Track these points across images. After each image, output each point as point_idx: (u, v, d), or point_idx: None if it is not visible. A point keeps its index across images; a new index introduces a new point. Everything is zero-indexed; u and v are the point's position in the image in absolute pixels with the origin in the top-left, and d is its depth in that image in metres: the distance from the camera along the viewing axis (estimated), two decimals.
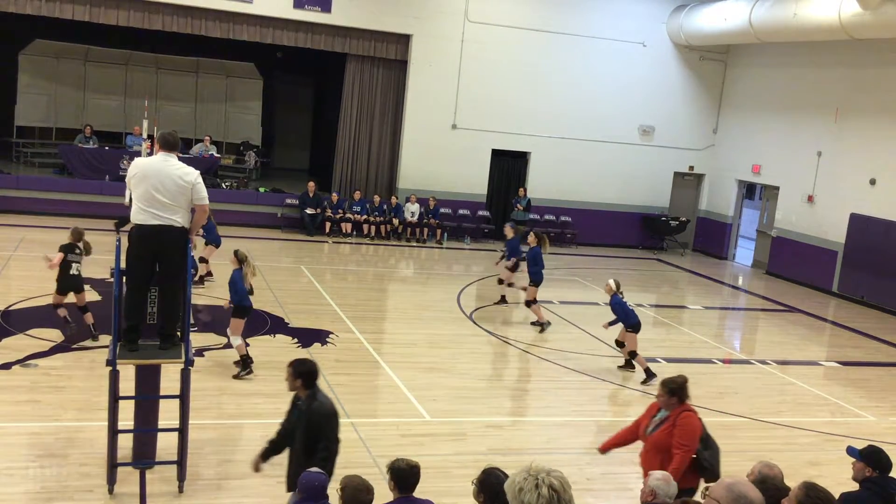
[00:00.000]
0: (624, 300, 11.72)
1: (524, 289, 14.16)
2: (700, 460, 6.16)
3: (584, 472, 8.37)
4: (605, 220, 23.19)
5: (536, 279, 13.72)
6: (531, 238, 13.97)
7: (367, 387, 10.52)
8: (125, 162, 19.67)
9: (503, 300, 15.18)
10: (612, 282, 11.73)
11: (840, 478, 7.04)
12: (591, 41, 22.34)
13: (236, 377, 10.10)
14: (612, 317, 11.80)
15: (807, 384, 12.35)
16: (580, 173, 22.80)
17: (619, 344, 11.94)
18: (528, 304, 13.80)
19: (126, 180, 7.15)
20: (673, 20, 22.74)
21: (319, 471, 5.14)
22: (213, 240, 14.52)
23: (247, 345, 10.41)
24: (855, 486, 5.82)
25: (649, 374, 11.43)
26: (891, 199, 18.07)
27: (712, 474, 6.11)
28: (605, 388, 11.37)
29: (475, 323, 13.98)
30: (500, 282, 15.21)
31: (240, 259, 10.31)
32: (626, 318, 11.58)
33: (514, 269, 14.86)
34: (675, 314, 16.71)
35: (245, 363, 10.19)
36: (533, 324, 13.93)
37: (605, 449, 6.92)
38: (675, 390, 6.29)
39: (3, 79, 22.87)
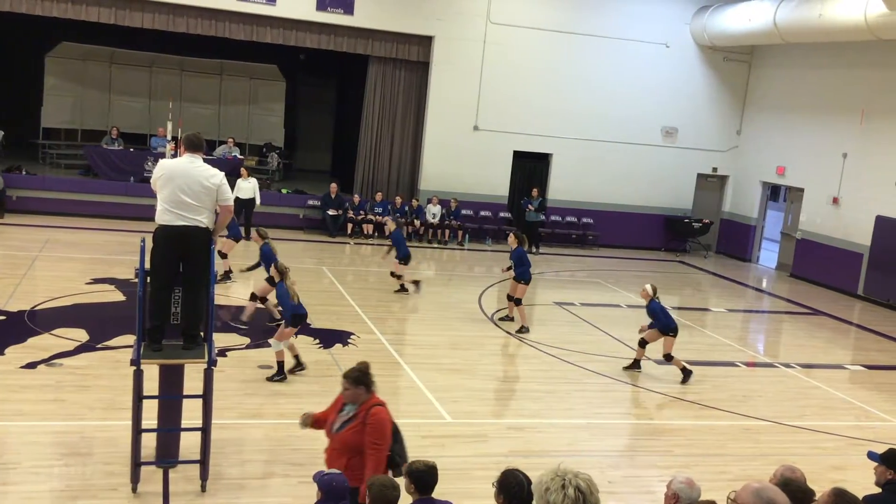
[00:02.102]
0: (662, 304, 11.74)
1: (412, 281, 14.97)
2: (392, 455, 5.70)
3: (606, 475, 8.33)
4: (628, 222, 23.09)
5: (526, 278, 13.64)
6: (511, 239, 13.97)
7: (389, 388, 10.52)
8: (150, 163, 19.84)
9: (403, 288, 15.26)
10: (648, 287, 11.67)
11: (865, 483, 6.95)
12: (614, 42, 22.26)
13: (270, 379, 10.17)
14: (648, 320, 11.79)
15: (831, 388, 12.23)
16: (602, 175, 22.72)
17: (643, 343, 11.86)
18: (518, 302, 13.71)
19: (151, 182, 7.21)
20: (696, 21, 22.61)
21: (338, 472, 5.17)
22: (234, 234, 14.67)
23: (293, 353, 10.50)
24: (878, 491, 5.76)
25: (686, 373, 11.55)
26: None
27: (400, 468, 5.62)
28: (627, 390, 11.32)
29: (496, 325, 13.97)
30: (393, 274, 15.27)
31: (281, 272, 10.39)
32: (667, 323, 11.52)
33: (509, 270, 14.46)
34: (698, 317, 16.60)
35: (280, 370, 10.24)
36: (503, 319, 14.08)
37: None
38: (360, 379, 5.69)
39: (30, 81, 23.15)
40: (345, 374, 5.78)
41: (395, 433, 5.80)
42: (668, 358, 11.61)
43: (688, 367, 11.66)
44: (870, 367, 13.71)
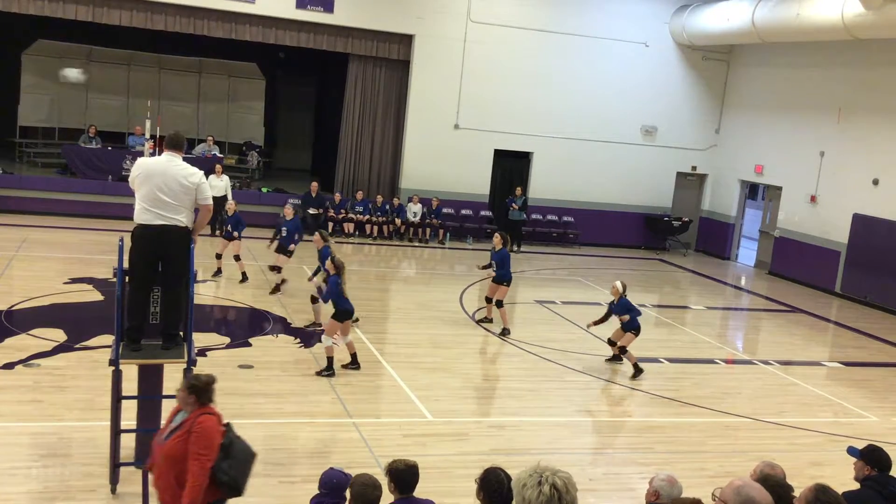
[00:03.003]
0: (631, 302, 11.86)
1: (278, 274, 14.46)
2: (216, 471, 5.20)
3: (587, 472, 8.37)
4: (608, 221, 23.17)
5: (507, 280, 13.44)
6: (497, 240, 13.57)
7: (370, 387, 10.52)
8: (128, 162, 19.69)
9: (277, 289, 14.49)
10: (619, 283, 11.74)
11: (843, 478, 7.01)
12: (594, 41, 22.33)
13: (319, 374, 10.41)
14: (605, 315, 12.02)
15: (810, 385, 12.34)
16: (583, 173, 22.79)
17: (612, 342, 12.02)
18: (500, 304, 13.44)
19: (130, 180, 7.14)
20: (676, 20, 22.72)
21: (341, 469, 5.19)
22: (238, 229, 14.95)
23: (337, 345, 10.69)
24: (857, 486, 5.82)
25: (638, 370, 11.63)
26: (894, 200, 18.04)
27: (234, 489, 5.29)
28: (608, 387, 11.36)
29: (477, 323, 13.97)
30: (273, 268, 14.63)
31: (337, 266, 10.65)
32: (633, 321, 11.67)
33: (490, 269, 14.03)
34: (677, 314, 16.70)
35: (330, 366, 10.47)
36: (482, 321, 13.92)
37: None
38: (197, 389, 5.34)
39: (6, 79, 22.89)
40: (186, 378, 5.51)
41: (232, 448, 5.33)
42: (624, 351, 11.75)
43: (640, 366, 11.70)
44: (847, 364, 13.83)
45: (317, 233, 12.89)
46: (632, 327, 11.69)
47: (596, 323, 11.94)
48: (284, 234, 14.42)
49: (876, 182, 18.52)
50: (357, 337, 12.25)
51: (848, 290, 19.10)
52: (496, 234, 13.84)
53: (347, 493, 4.82)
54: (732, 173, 23.28)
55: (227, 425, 5.41)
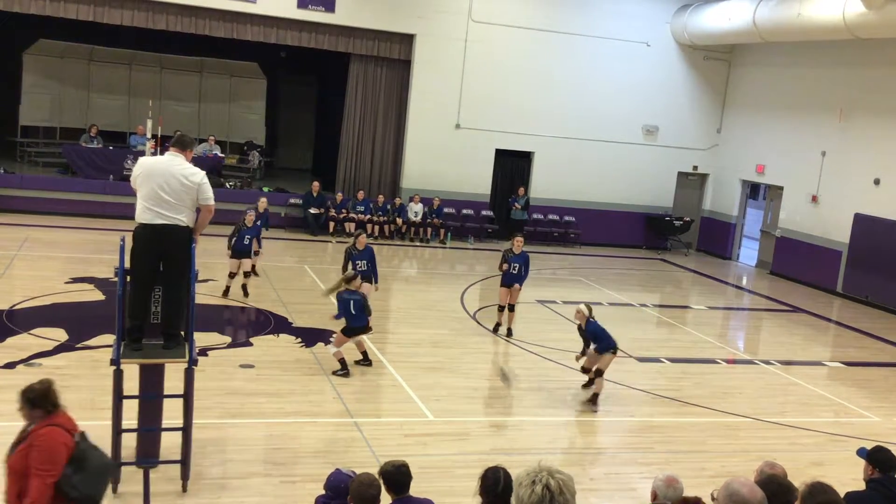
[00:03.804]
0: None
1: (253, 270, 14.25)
2: (65, 487, 4.80)
3: (588, 472, 8.37)
4: (609, 220, 23.17)
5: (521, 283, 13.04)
6: (521, 243, 12.98)
7: (371, 386, 10.52)
8: (129, 162, 19.70)
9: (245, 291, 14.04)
10: (583, 307, 10.53)
11: (844, 478, 7.02)
12: (595, 41, 22.32)
13: (335, 373, 10.53)
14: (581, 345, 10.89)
15: (811, 384, 12.33)
16: (584, 173, 22.78)
17: (585, 370, 10.77)
18: (512, 307, 13.09)
19: (131, 180, 7.14)
20: (677, 20, 22.71)
21: (347, 471, 5.20)
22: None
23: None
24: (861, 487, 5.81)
25: (594, 399, 10.46)
26: (894, 199, 18.02)
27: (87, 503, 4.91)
28: (609, 387, 11.33)
29: (478, 323, 13.97)
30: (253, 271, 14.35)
31: (346, 279, 10.79)
32: (607, 342, 10.38)
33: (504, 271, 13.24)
34: (678, 314, 16.69)
35: (344, 366, 10.60)
36: (496, 331, 13.35)
37: None
38: (33, 400, 4.97)
39: (8, 78, 22.92)
40: (21, 391, 5.05)
41: (86, 461, 4.92)
42: (600, 373, 10.41)
43: (598, 397, 10.50)
44: (848, 364, 13.82)
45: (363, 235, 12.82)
46: (608, 348, 10.36)
47: (582, 354, 10.78)
48: (247, 241, 13.91)
49: (877, 182, 18.50)
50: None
51: (849, 290, 19.09)
52: (521, 237, 13.24)
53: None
54: (734, 173, 23.27)
55: (81, 434, 5.06)
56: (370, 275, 12.32)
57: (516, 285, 12.95)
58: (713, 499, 3.25)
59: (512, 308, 13.11)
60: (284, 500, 7.15)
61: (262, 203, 15.43)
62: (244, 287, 14.09)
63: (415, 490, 5.29)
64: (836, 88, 19.72)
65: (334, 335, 11.04)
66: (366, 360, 10.97)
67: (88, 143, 21.08)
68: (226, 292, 13.91)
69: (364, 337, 11.07)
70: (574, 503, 2.94)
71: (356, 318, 10.55)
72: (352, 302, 10.51)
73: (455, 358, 11.89)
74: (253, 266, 14.47)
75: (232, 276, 13.91)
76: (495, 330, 13.29)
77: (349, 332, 10.65)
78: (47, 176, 20.60)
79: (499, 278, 13.27)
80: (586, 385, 10.84)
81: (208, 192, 7.14)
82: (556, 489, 2.88)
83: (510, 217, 21.56)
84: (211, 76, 24.92)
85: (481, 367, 11.96)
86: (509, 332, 13.16)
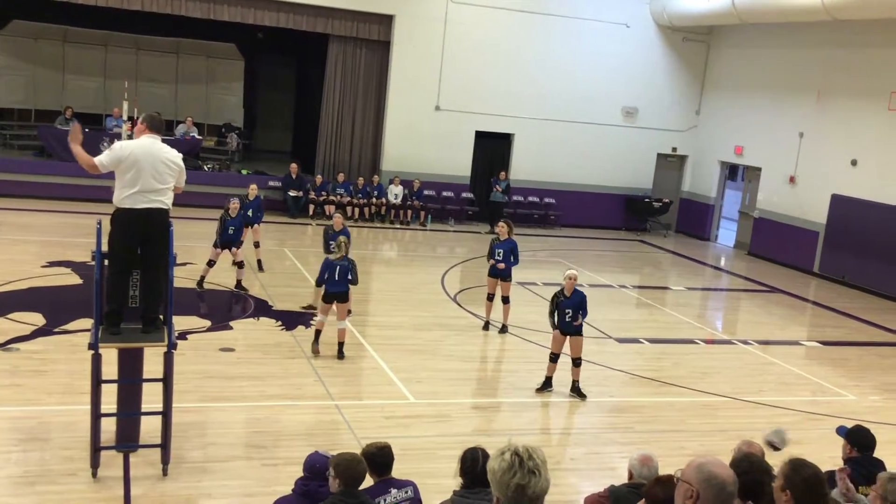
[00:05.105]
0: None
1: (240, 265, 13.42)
2: None
3: (568, 452, 8.43)
4: (589, 202, 23.22)
5: (510, 273, 12.42)
6: (504, 228, 12.41)
7: (352, 369, 10.52)
8: (105, 144, 19.44)
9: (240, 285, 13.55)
10: (574, 272, 10.02)
11: (821, 457, 7.08)
12: (575, 22, 22.27)
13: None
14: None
15: (788, 364, 12.46)
16: (564, 155, 22.79)
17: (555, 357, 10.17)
18: (506, 300, 12.49)
19: (109, 162, 6.97)
20: (656, 1, 22.69)
21: (325, 452, 5.20)
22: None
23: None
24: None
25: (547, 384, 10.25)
26: (871, 180, 18.18)
27: None
28: (589, 368, 11.40)
29: (459, 305, 13.99)
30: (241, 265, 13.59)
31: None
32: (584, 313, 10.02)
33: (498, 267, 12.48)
34: (658, 295, 16.79)
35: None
36: (487, 327, 12.73)
37: None
38: None
39: None
40: None
41: None
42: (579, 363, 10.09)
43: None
44: (825, 343, 13.98)
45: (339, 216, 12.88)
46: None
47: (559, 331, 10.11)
48: (231, 232, 13.35)
49: (854, 163, 18.65)
50: None
51: (826, 270, 19.27)
52: (502, 223, 12.61)
53: (332, 472, 4.83)
54: (712, 154, 23.37)
55: None
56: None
57: (497, 277, 12.34)
58: (677, 480, 3.27)
59: (506, 300, 12.46)
60: (266, 483, 7.15)
61: (253, 190, 14.62)
62: (259, 262, 14.57)
63: (397, 472, 5.31)
64: (814, 70, 19.82)
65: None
66: (340, 355, 10.62)
67: (64, 125, 20.84)
68: (200, 282, 13.24)
69: (348, 324, 10.97)
70: (545, 469, 2.97)
71: (336, 283, 10.44)
72: (338, 268, 10.43)
73: (436, 340, 11.91)
74: (241, 263, 13.61)
75: (211, 263, 13.24)
76: (485, 327, 12.62)
77: (327, 298, 10.52)
78: (22, 158, 20.36)
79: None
80: (543, 388, 10.18)
81: (185, 175, 7.20)
82: (524, 453, 2.96)
83: (490, 200, 21.52)
84: (188, 57, 24.65)
85: (462, 349, 11.97)
86: (503, 329, 12.54)
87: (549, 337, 10.26)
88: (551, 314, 10.09)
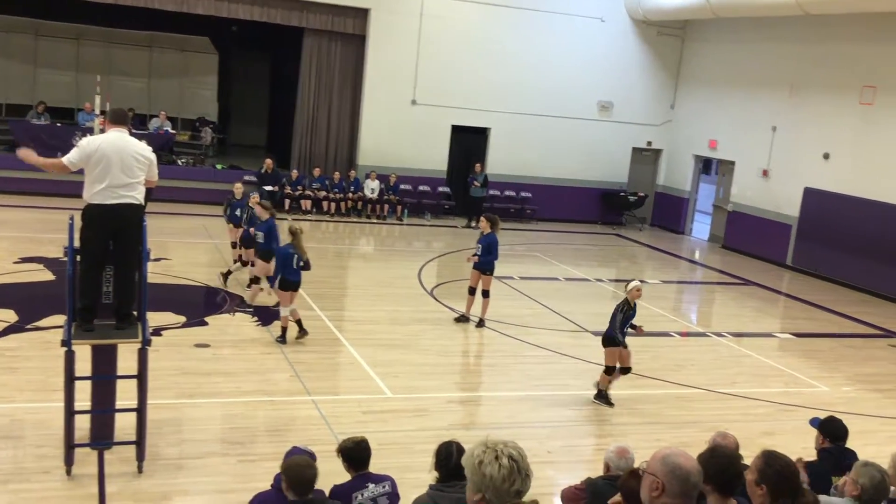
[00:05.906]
0: None
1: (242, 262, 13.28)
2: None
3: (545, 445, 8.45)
4: (565, 196, 23.29)
5: (492, 268, 12.37)
6: (484, 224, 12.35)
7: (329, 364, 10.50)
8: (77, 138, 19.18)
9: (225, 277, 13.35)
10: (639, 282, 9.93)
11: (794, 447, 7.17)
12: (550, 16, 22.30)
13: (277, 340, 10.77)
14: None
15: (762, 356, 12.57)
16: (539, 149, 22.84)
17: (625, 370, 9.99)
18: (486, 294, 12.46)
19: (78, 159, 6.86)
20: None
21: (304, 448, 5.17)
22: None
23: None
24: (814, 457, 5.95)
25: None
26: (844, 174, 18.38)
27: None
28: (566, 361, 11.46)
29: (436, 299, 13.99)
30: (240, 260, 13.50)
31: (293, 233, 10.84)
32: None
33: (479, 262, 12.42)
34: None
35: (283, 335, 10.83)
36: (459, 319, 12.66)
37: None
38: None
39: None
40: None
41: None
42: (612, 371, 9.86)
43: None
44: (798, 335, 14.12)
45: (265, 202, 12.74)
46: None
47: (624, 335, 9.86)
48: (238, 212, 13.58)
49: (827, 156, 18.83)
50: (315, 314, 12.21)
51: (799, 263, 19.46)
52: (483, 218, 12.50)
53: (283, 479, 4.67)
54: (687, 148, 23.52)
55: None
56: (268, 249, 11.83)
57: (478, 270, 12.31)
58: (642, 472, 3.29)
59: (486, 294, 12.41)
60: (242, 479, 7.12)
61: (238, 189, 14.12)
62: (232, 272, 13.41)
63: (374, 466, 5.31)
64: (787, 64, 19.98)
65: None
66: (301, 331, 10.89)
67: (35, 119, 20.60)
68: (226, 275, 13.21)
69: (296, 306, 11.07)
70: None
71: (295, 272, 10.71)
72: (295, 257, 10.69)
73: (413, 335, 11.91)
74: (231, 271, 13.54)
75: (235, 245, 13.73)
76: (464, 319, 12.56)
77: (285, 286, 10.70)
78: None
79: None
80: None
81: (156, 168, 7.13)
82: (518, 458, 2.91)
83: (469, 195, 21.53)
84: (161, 51, 24.43)
85: (439, 344, 11.98)
86: (480, 323, 12.47)
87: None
88: (620, 330, 9.68)
